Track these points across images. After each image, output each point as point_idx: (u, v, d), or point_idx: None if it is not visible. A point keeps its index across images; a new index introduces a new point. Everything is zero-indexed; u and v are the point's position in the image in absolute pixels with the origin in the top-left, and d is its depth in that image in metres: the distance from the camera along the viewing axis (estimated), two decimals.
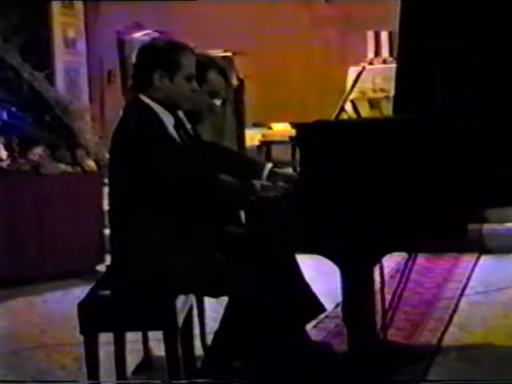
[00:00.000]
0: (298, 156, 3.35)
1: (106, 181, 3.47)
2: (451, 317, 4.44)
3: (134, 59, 3.41)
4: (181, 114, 3.49)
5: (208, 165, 3.51)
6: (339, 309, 3.79)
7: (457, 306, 4.66)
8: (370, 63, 8.56)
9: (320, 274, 4.31)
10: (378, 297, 3.79)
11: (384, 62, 8.63)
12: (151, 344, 3.87)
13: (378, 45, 8.84)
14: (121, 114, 3.40)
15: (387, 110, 6.89)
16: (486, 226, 6.15)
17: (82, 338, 3.22)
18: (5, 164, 5.83)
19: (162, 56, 3.35)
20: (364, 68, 7.32)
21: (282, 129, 8.43)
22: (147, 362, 3.87)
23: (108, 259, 4.00)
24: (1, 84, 6.13)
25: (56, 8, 8.60)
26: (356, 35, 8.92)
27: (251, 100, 7.80)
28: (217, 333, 3.39)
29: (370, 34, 8.89)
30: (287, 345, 3.43)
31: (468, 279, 5.31)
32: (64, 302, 5.21)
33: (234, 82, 7.27)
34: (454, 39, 3.33)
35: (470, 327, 4.26)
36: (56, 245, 5.93)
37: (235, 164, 3.69)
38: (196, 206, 3.30)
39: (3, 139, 5.92)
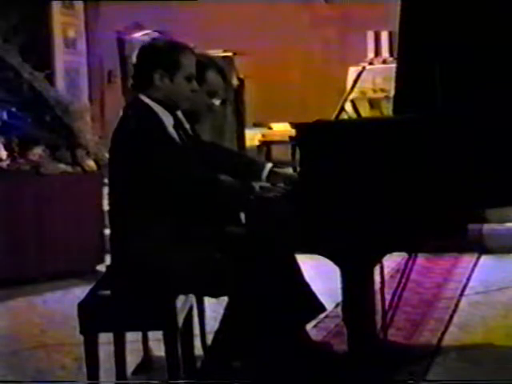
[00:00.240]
0: (298, 156, 3.35)
1: (106, 181, 3.47)
2: (451, 317, 4.44)
3: (134, 59, 3.41)
4: (180, 113, 3.49)
5: (207, 165, 3.51)
6: (339, 309, 3.79)
7: (457, 306, 4.66)
8: (370, 63, 8.56)
9: (320, 274, 4.31)
10: (378, 297, 3.79)
11: (384, 62, 8.63)
12: (151, 344, 3.87)
13: (378, 45, 8.84)
14: (121, 114, 3.40)
15: (387, 110, 6.89)
16: (486, 226, 6.14)
17: (82, 338, 3.22)
18: (5, 164, 5.83)
19: (162, 56, 3.35)
20: (364, 68, 7.31)
21: (282, 129, 8.43)
22: (147, 362, 3.87)
23: (108, 259, 4.00)
24: (1, 84, 6.13)
25: (56, 8, 8.60)
26: (356, 35, 8.92)
27: (251, 100, 7.81)
28: (217, 333, 3.39)
29: (370, 34, 8.89)
30: (287, 345, 3.43)
31: (468, 279, 5.31)
32: (64, 302, 5.21)
33: (234, 82, 7.28)
34: (454, 39, 3.33)
35: (470, 327, 4.26)
36: (56, 245, 5.93)
37: (235, 164, 3.69)
38: (196, 206, 3.30)
39: (3, 139, 5.92)
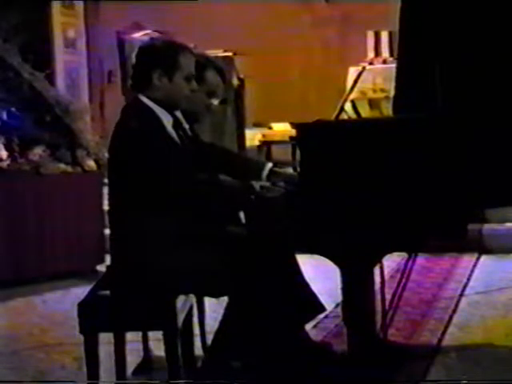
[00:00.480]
0: (298, 156, 3.35)
1: (106, 181, 3.47)
2: (451, 317, 4.44)
3: (133, 59, 3.42)
4: (179, 113, 3.49)
5: (207, 165, 3.51)
6: (339, 309, 3.79)
7: (457, 306, 4.66)
8: (370, 63, 8.55)
9: (320, 274, 4.31)
10: (378, 297, 3.79)
11: (384, 62, 8.63)
12: (151, 344, 3.87)
13: (378, 45, 8.84)
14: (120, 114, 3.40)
15: (387, 110, 6.89)
16: (486, 226, 6.15)
17: (82, 338, 3.22)
18: (5, 164, 5.83)
19: (160, 56, 3.35)
20: (364, 68, 7.31)
21: (282, 129, 8.42)
22: (147, 362, 3.87)
23: (108, 259, 4.00)
24: (1, 84, 6.13)
25: (56, 8, 8.60)
26: (356, 35, 8.92)
27: (251, 100, 7.80)
28: (217, 333, 3.39)
29: (370, 34, 8.88)
30: (287, 345, 3.43)
31: (468, 279, 5.32)
32: (64, 302, 5.22)
33: (234, 82, 7.28)
34: (454, 39, 3.33)
35: (470, 327, 4.26)
36: (56, 245, 5.93)
37: (235, 164, 3.70)
38: (195, 206, 3.30)
39: (3, 139, 5.92)
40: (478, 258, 5.93)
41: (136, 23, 8.15)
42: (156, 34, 7.47)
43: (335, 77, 8.25)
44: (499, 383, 3.41)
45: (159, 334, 3.29)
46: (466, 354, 3.81)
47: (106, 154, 3.46)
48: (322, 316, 4.06)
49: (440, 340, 4.05)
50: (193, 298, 3.63)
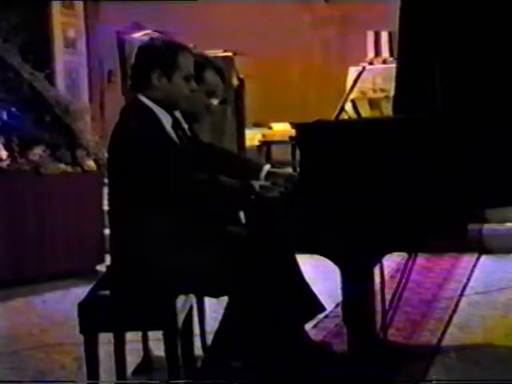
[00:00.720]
0: (298, 156, 3.35)
1: (106, 181, 3.47)
2: (451, 317, 4.44)
3: (133, 59, 3.42)
4: (178, 113, 3.49)
5: (206, 165, 3.51)
6: (339, 309, 3.79)
7: (457, 306, 4.66)
8: (370, 63, 8.56)
9: (320, 274, 4.31)
10: (378, 297, 3.79)
11: (384, 62, 8.63)
12: (151, 344, 3.87)
13: (378, 45, 8.84)
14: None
15: (387, 110, 6.88)
16: (486, 226, 6.15)
17: (82, 338, 3.22)
18: (5, 164, 5.83)
19: (160, 56, 3.35)
20: (364, 68, 7.31)
21: (282, 129, 8.42)
22: (147, 362, 3.87)
23: (108, 259, 4.00)
24: (1, 84, 6.13)
25: (56, 8, 8.60)
26: (356, 35, 8.92)
27: (251, 100, 7.80)
28: (217, 333, 3.39)
29: (370, 34, 8.88)
30: (287, 345, 3.43)
31: (468, 279, 5.32)
32: (64, 302, 5.22)
33: (234, 81, 7.28)
34: (454, 39, 3.33)
35: (470, 327, 4.26)
36: (56, 245, 5.93)
37: (233, 165, 3.70)
38: (195, 206, 3.30)
39: (3, 139, 5.92)
40: (477, 258, 5.93)
41: (136, 23, 8.15)
42: (156, 34, 7.46)
43: (335, 77, 8.26)
44: (499, 383, 3.41)
45: (159, 334, 3.29)
46: (465, 354, 3.81)
47: (106, 154, 3.46)
48: (321, 316, 4.06)
49: (440, 340, 4.05)
50: (193, 298, 3.63)
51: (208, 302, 3.99)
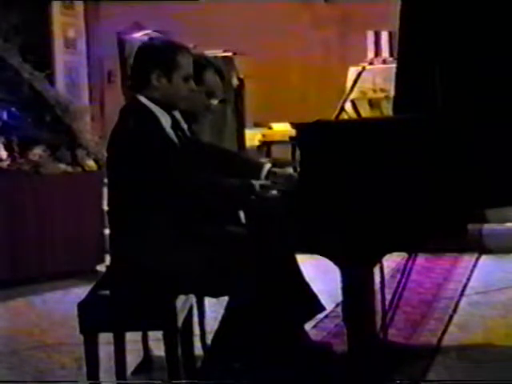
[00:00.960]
0: (298, 156, 3.34)
1: (106, 181, 3.47)
2: (451, 317, 4.44)
3: (132, 59, 3.42)
4: (177, 114, 3.49)
5: (206, 165, 3.51)
6: (339, 309, 3.79)
7: (457, 306, 4.66)
8: (370, 63, 8.55)
9: (320, 274, 4.31)
10: (378, 297, 3.79)
11: (384, 62, 8.62)
12: (151, 344, 3.87)
13: (378, 45, 8.83)
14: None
15: (387, 110, 6.89)
16: (486, 226, 6.15)
17: (82, 338, 3.22)
18: (5, 164, 5.83)
19: (159, 56, 3.35)
20: (364, 68, 7.31)
21: (282, 129, 8.42)
22: (147, 362, 3.87)
23: (108, 259, 4.00)
24: (1, 84, 6.13)
25: (56, 8, 8.61)
26: (356, 35, 8.91)
27: (251, 100, 7.80)
28: (217, 333, 3.39)
29: (370, 34, 8.88)
30: (287, 344, 3.43)
31: (468, 279, 5.32)
32: (64, 302, 5.21)
33: (234, 81, 7.28)
34: (454, 39, 3.33)
35: (470, 327, 4.26)
36: (56, 245, 5.93)
37: (234, 164, 3.69)
38: (195, 206, 3.30)
39: (3, 139, 5.93)
40: (477, 258, 5.93)
41: (136, 23, 8.15)
42: (156, 34, 7.46)
43: (335, 77, 8.25)
44: (499, 383, 3.41)
45: (159, 334, 3.29)
46: (466, 354, 3.81)
47: (106, 154, 3.46)
48: (321, 316, 4.06)
49: (440, 340, 4.05)
50: (193, 298, 3.63)
51: (208, 302, 3.99)
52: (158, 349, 3.62)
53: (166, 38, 4.88)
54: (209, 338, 3.64)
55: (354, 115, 4.10)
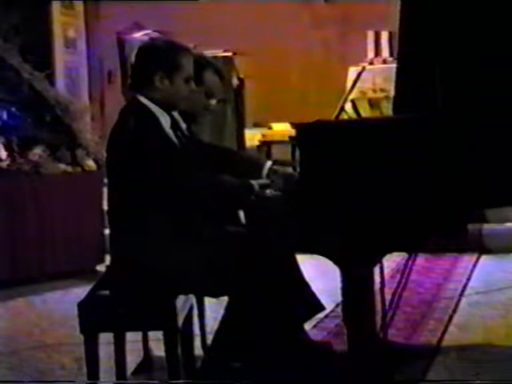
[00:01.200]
0: (298, 156, 3.34)
1: (106, 181, 3.47)
2: (451, 317, 4.44)
3: (132, 59, 3.41)
4: (175, 113, 3.49)
5: (206, 164, 3.51)
6: (339, 308, 3.79)
7: (457, 305, 4.66)
8: (370, 63, 8.55)
9: (320, 274, 4.31)
10: (378, 297, 3.79)
11: (384, 62, 8.62)
12: (151, 344, 3.87)
13: (378, 45, 8.83)
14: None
15: (387, 110, 6.88)
16: (486, 226, 6.15)
17: (82, 338, 3.22)
18: (5, 164, 5.83)
19: (163, 57, 3.35)
20: (364, 68, 7.30)
21: (282, 129, 8.42)
22: (147, 362, 3.87)
23: (108, 259, 4.00)
24: (1, 84, 6.13)
25: (56, 8, 8.60)
26: (356, 35, 8.91)
27: (251, 100, 7.80)
28: (217, 333, 3.39)
29: (370, 34, 8.88)
30: (287, 344, 3.43)
31: (468, 279, 5.32)
32: (64, 302, 5.21)
33: (234, 81, 7.28)
34: (454, 39, 3.33)
35: (470, 327, 4.26)
36: (56, 245, 5.93)
37: (235, 162, 3.69)
38: (195, 206, 3.30)
39: (3, 139, 5.93)
40: (477, 258, 5.93)
41: (136, 23, 8.14)
42: (156, 34, 7.46)
43: (335, 77, 8.25)
44: (499, 383, 3.41)
45: (159, 334, 3.29)
46: (466, 353, 3.81)
47: (105, 154, 3.46)
48: (321, 316, 4.06)
49: (440, 340, 4.05)
50: (193, 298, 3.63)
51: (208, 302, 3.99)
52: (158, 349, 3.62)
53: (167, 39, 4.87)
54: (209, 338, 3.64)
55: (354, 115, 4.09)
